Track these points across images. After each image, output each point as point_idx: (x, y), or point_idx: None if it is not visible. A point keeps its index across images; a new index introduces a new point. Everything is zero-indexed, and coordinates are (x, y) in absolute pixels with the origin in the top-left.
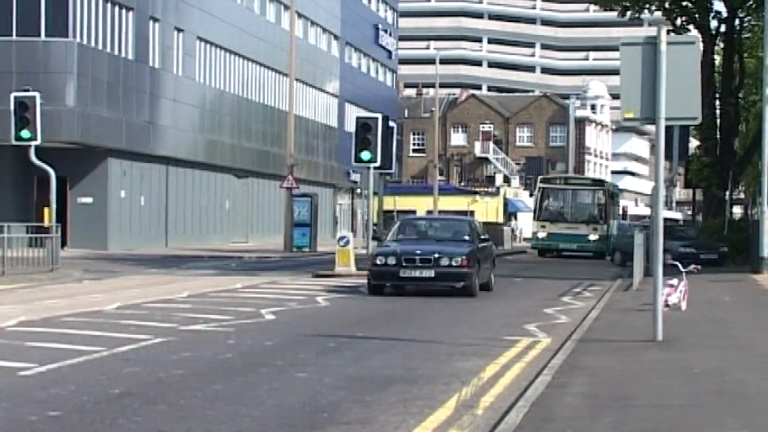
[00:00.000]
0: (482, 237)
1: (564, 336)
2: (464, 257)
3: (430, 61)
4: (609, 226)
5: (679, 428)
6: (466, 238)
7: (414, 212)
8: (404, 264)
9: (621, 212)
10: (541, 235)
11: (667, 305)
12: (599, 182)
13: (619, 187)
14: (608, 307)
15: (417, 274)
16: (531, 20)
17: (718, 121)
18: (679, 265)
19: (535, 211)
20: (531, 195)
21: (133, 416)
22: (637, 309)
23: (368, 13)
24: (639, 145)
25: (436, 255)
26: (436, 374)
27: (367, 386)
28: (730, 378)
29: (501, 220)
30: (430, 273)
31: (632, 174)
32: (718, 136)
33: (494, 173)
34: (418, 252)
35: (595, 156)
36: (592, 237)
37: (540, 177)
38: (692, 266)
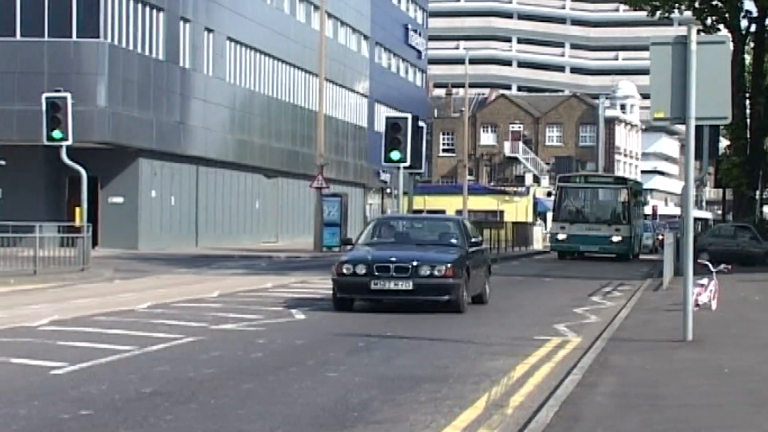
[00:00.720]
0: (473, 240)
1: (594, 335)
2: (449, 265)
3: (459, 61)
4: (633, 227)
5: (709, 428)
6: (454, 241)
7: (444, 212)
8: (376, 273)
9: (651, 211)
10: (561, 236)
11: (697, 305)
12: (621, 180)
13: (642, 185)
14: (638, 306)
15: (392, 286)
16: (561, 20)
17: (748, 120)
18: (710, 265)
19: (554, 212)
20: (549, 195)
21: (164, 415)
22: (666, 309)
23: (398, 13)
24: (669, 145)
25: (415, 263)
26: (465, 373)
27: (397, 385)
28: (761, 378)
29: (530, 219)
30: (407, 285)
31: (662, 174)
32: (748, 136)
33: (524, 173)
34: (393, 259)
35: (625, 156)
36: (615, 238)
37: (559, 175)
38: (722, 266)
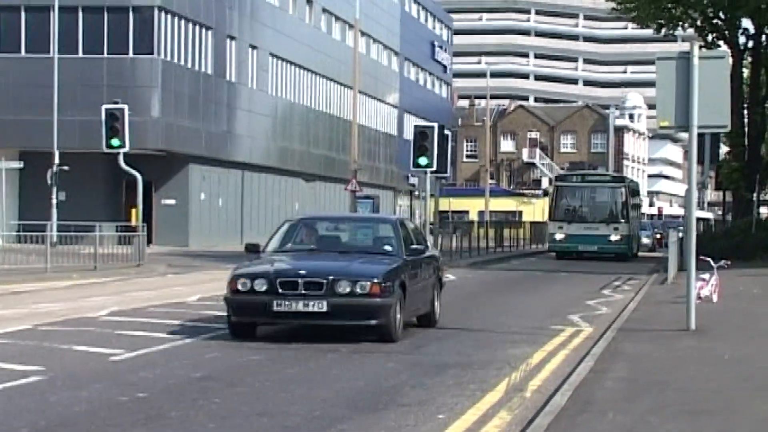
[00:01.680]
0: (415, 246)
1: (605, 325)
2: (376, 280)
3: (481, 75)
4: (631, 226)
5: (712, 410)
6: (388, 248)
7: (467, 213)
8: (280, 291)
9: (657, 212)
10: (559, 236)
11: (699, 297)
12: (619, 178)
13: (638, 184)
14: (645, 299)
15: (300, 307)
16: (574, 37)
17: (746, 128)
18: (711, 261)
19: (551, 211)
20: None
21: (213, 398)
22: (671, 301)
23: (425, 31)
24: (673, 151)
25: (332, 277)
26: (488, 360)
27: (425, 371)
28: (758, 365)
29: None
30: (320, 306)
31: (667, 177)
32: (746, 143)
33: (540, 177)
34: (303, 272)
35: (633, 161)
36: (614, 237)
37: (555, 174)
38: (723, 261)
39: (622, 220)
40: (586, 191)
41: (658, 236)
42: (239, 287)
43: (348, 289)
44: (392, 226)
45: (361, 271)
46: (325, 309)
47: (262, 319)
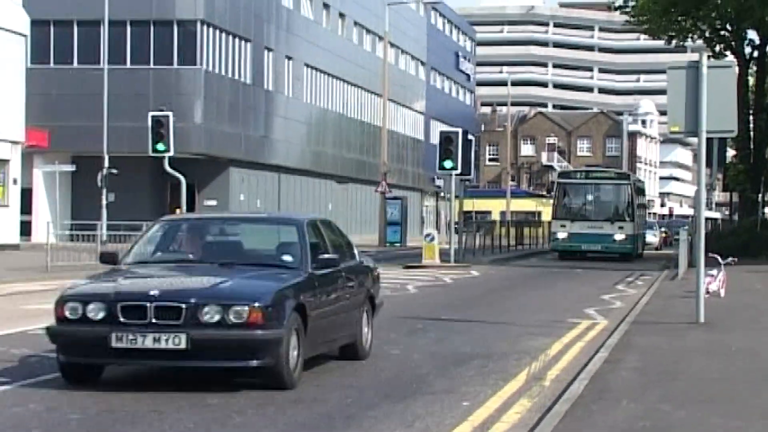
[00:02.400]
0: (327, 257)
1: (619, 319)
2: (259, 304)
3: (503, 83)
4: (636, 224)
5: (720, 398)
6: (288, 259)
7: (489, 213)
8: (122, 320)
9: (668, 211)
10: (561, 235)
11: (707, 292)
12: (624, 175)
13: (643, 182)
14: (657, 294)
15: (149, 343)
16: (590, 48)
17: (752, 133)
18: (718, 258)
19: (553, 209)
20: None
21: (254, 385)
22: (682, 296)
23: (450, 42)
24: (683, 155)
25: (194, 300)
26: (508, 351)
27: (449, 361)
28: (763, 356)
29: None
30: (176, 341)
31: (677, 179)
32: (752, 147)
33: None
34: (155, 293)
35: (645, 164)
36: (619, 236)
37: (558, 171)
38: (730, 258)
39: (627, 219)
40: (590, 189)
41: (665, 235)
42: (67, 314)
43: (217, 318)
44: (297, 230)
45: (238, 292)
46: (183, 345)
47: (97, 359)
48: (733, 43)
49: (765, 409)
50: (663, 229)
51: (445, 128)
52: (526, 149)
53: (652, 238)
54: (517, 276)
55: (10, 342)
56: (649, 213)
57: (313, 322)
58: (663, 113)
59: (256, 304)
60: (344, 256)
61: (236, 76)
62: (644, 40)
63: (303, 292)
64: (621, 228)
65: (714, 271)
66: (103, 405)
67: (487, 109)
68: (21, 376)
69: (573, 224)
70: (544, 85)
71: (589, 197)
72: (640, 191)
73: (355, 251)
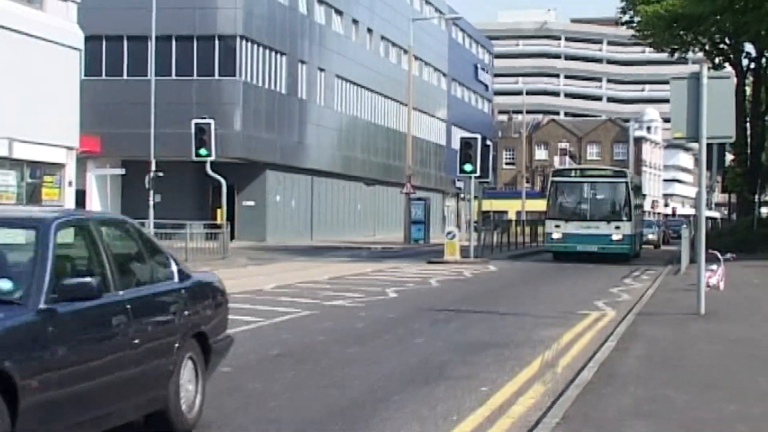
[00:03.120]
0: (81, 282)
1: (626, 310)
2: None
3: (518, 93)
4: (634, 224)
5: (721, 384)
6: (3, 287)
7: (506, 212)
8: None
9: (671, 211)
10: (556, 235)
11: (708, 286)
12: (621, 173)
13: (641, 179)
14: (661, 287)
15: None
16: (598, 60)
17: (749, 139)
18: (718, 254)
19: (547, 208)
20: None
21: (287, 371)
22: (684, 289)
23: (469, 55)
24: (685, 159)
25: None
26: (524, 340)
27: (469, 349)
28: (761, 345)
29: None
30: None
31: (680, 182)
32: (749, 152)
33: None
34: None
35: (650, 168)
36: (616, 236)
37: (552, 169)
38: (728, 254)
39: (624, 218)
40: (586, 187)
41: (663, 233)
42: None
43: None
44: (38, 236)
45: None
46: None
47: None
48: (731, 55)
49: (762, 394)
50: (662, 228)
51: (465, 134)
52: (540, 154)
53: (652, 236)
54: (531, 271)
55: None
56: (656, 213)
57: (37, 397)
58: (666, 120)
59: None
60: (143, 274)
61: (272, 87)
62: (649, 53)
63: (14, 349)
64: (618, 228)
65: (714, 266)
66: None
67: (503, 117)
68: None
69: (568, 224)
70: (556, 94)
71: (585, 196)
72: (638, 189)
73: (173, 266)
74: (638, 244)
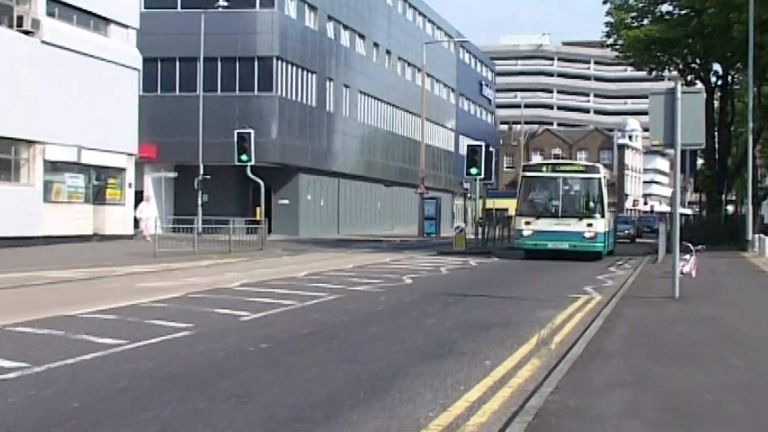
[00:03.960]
0: None
1: (611, 294)
2: None
3: (517, 106)
4: (607, 221)
5: (693, 356)
6: None
7: (507, 210)
8: None
9: (650, 209)
10: (526, 233)
11: (682, 273)
12: (593, 168)
13: (613, 173)
14: (641, 274)
15: None
16: (587, 77)
17: (717, 146)
18: (690, 245)
19: (517, 204)
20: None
21: (317, 347)
22: (661, 276)
23: (475, 73)
24: (662, 163)
25: None
26: (522, 320)
27: (475, 329)
28: (726, 323)
29: None
30: None
31: (657, 183)
32: (717, 157)
33: None
34: None
35: (632, 171)
36: (588, 234)
37: (523, 164)
38: (699, 246)
39: (597, 215)
40: (557, 182)
41: (637, 228)
42: None
43: None
44: None
45: None
46: None
47: None
48: (701, 73)
49: (726, 365)
50: (636, 224)
51: (471, 142)
52: (536, 159)
53: (629, 230)
54: (529, 261)
55: (126, 312)
56: (636, 210)
57: None
58: (646, 130)
59: None
60: None
61: (304, 101)
62: (630, 72)
63: None
64: (590, 225)
65: (687, 256)
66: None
67: (504, 127)
68: (135, 338)
69: (538, 221)
70: (550, 107)
71: (556, 192)
72: (612, 186)
73: None
74: (612, 241)
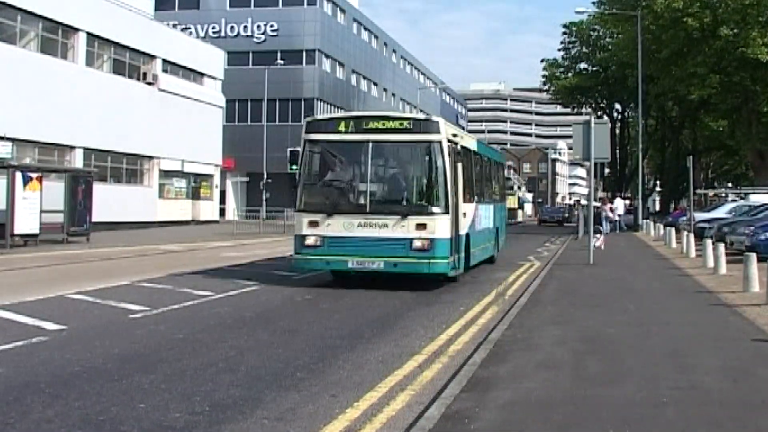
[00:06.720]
0: None
1: (546, 261)
2: None
3: (482, 132)
4: (458, 216)
5: (603, 304)
6: None
7: None
8: None
9: (574, 203)
10: (309, 240)
11: (595, 247)
12: (428, 124)
13: (499, 153)
14: (567, 247)
15: None
16: (530, 112)
17: (618, 159)
18: (601, 227)
19: (298, 193)
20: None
21: (346, 298)
22: (580, 249)
23: (452, 109)
24: (581, 171)
25: None
26: (486, 279)
27: (454, 286)
28: (625, 281)
29: (516, 206)
30: None
31: (578, 185)
32: (618, 167)
33: (513, 185)
34: None
35: (561, 176)
36: (419, 242)
37: (306, 119)
38: (608, 228)
39: (436, 209)
40: (364, 151)
41: (566, 215)
42: None
43: None
44: None
45: None
46: None
47: None
48: (607, 110)
49: (623, 309)
50: (564, 212)
51: None
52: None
53: (559, 217)
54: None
55: (213, 273)
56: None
57: None
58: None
59: None
60: None
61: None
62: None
63: None
64: (423, 227)
65: (598, 235)
66: (268, 305)
67: None
68: (220, 291)
69: (332, 219)
70: (505, 132)
71: (364, 167)
72: (470, 154)
73: None
74: (472, 251)
